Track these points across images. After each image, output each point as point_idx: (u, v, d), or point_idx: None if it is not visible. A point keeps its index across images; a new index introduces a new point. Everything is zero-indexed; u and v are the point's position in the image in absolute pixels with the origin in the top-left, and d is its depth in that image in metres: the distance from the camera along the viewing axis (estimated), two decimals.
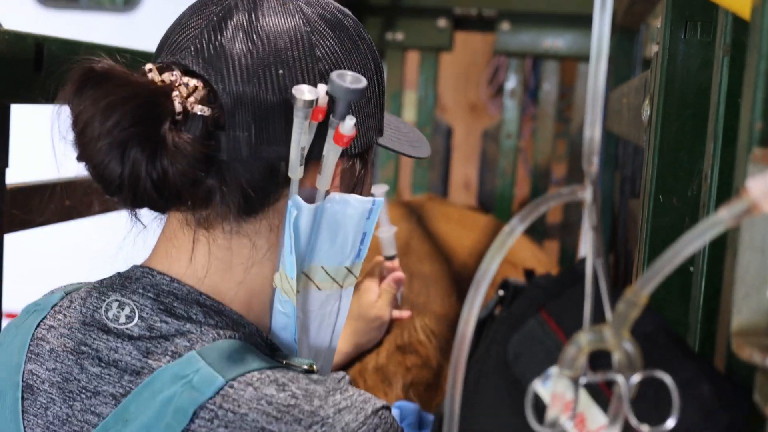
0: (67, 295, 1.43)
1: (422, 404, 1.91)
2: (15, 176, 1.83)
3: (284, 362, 1.33)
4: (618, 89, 2.29)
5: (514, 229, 0.93)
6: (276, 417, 1.22)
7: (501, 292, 1.06)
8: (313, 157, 1.33)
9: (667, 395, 0.88)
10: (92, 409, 1.32)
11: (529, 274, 1.05)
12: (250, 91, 1.29)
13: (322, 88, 1.28)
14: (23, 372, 1.38)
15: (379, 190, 1.96)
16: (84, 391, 1.33)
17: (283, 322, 1.40)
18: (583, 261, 0.95)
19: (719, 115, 1.20)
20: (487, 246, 2.61)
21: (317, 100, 1.27)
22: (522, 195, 4.42)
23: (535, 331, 0.98)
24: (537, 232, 4.11)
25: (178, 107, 1.25)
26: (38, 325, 1.40)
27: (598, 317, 0.93)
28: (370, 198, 1.38)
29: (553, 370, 0.92)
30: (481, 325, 1.03)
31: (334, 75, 1.27)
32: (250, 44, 1.30)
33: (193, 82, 1.28)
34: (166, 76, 1.28)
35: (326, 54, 1.34)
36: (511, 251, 2.65)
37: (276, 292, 1.39)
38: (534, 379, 0.93)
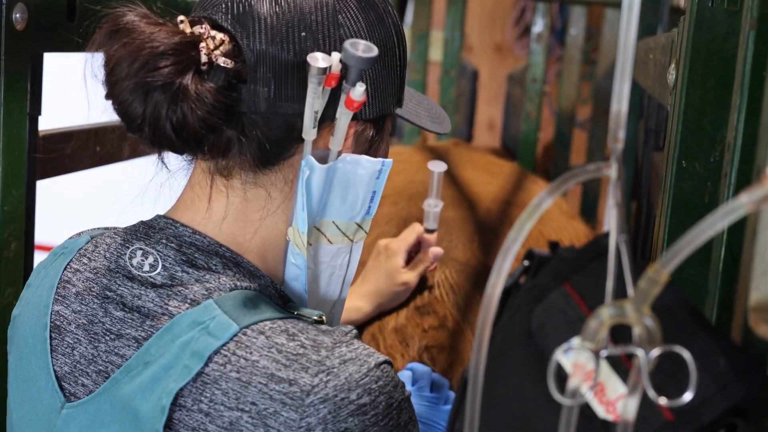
0: (92, 239, 1.49)
1: (436, 366, 1.94)
2: (47, 124, 1.87)
3: (295, 313, 1.39)
4: (644, 41, 2.29)
5: (543, 202, 0.95)
6: (285, 364, 1.29)
7: (526, 263, 1.08)
8: (327, 119, 1.40)
9: (685, 367, 0.91)
10: (116, 350, 1.38)
11: (553, 245, 1.07)
12: (272, 50, 1.36)
13: (336, 55, 1.34)
14: (51, 313, 1.44)
15: (437, 167, 2.00)
16: (108, 333, 1.40)
17: (295, 273, 1.46)
18: (606, 235, 0.98)
19: (744, 86, 1.22)
20: (511, 193, 2.63)
21: (331, 67, 1.33)
22: (546, 138, 4.43)
23: (558, 303, 1.01)
24: (559, 174, 4.12)
25: (203, 58, 1.32)
26: (65, 268, 1.47)
27: (620, 292, 0.96)
28: (380, 159, 1.44)
29: (575, 341, 0.95)
30: (506, 293, 1.06)
31: (348, 43, 1.33)
32: (276, 6, 1.37)
33: (220, 36, 1.35)
34: (196, 29, 1.35)
35: (349, 22, 1.40)
36: (527, 194, 2.67)
37: (289, 245, 1.45)
38: (556, 349, 0.96)
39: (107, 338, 1.39)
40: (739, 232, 1.20)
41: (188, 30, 1.34)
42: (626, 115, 0.95)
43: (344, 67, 1.35)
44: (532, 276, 1.07)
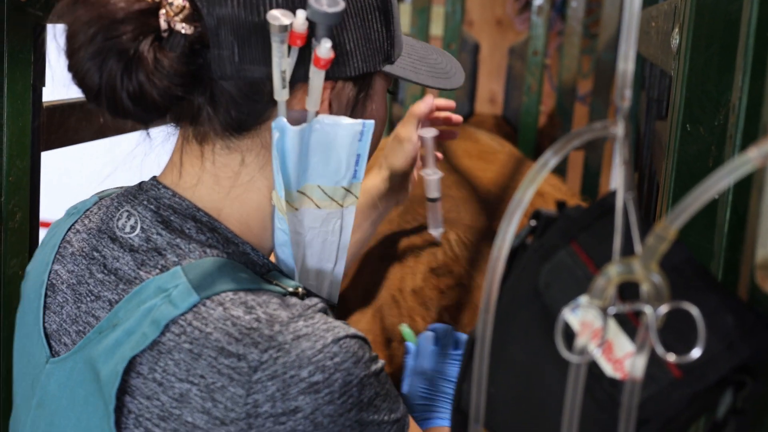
0: (100, 200, 1.52)
1: (455, 324, 1.95)
2: (51, 95, 1.87)
3: (274, 282, 1.38)
4: (647, 10, 2.28)
5: (548, 162, 0.95)
6: (237, 338, 1.28)
7: (533, 223, 1.09)
8: (300, 80, 1.36)
9: (692, 325, 0.91)
10: (92, 312, 1.40)
11: (560, 205, 1.07)
12: (233, 12, 1.32)
13: (301, 13, 1.30)
14: (50, 271, 1.47)
15: (428, 133, 2.00)
16: (90, 294, 1.41)
17: (282, 238, 1.44)
18: (613, 194, 0.98)
19: (749, 48, 1.22)
20: (508, 177, 2.66)
21: (292, 24, 1.29)
22: (547, 111, 4.43)
23: (565, 262, 1.01)
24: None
25: (163, 25, 1.30)
26: (69, 228, 1.49)
27: (628, 250, 0.96)
28: (360, 120, 1.40)
29: (583, 299, 0.95)
30: (513, 254, 1.06)
31: None
32: None
33: (179, 1, 1.32)
34: None
35: None
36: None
37: (274, 210, 1.43)
38: (564, 307, 0.97)
39: (89, 299, 1.41)
40: (745, 195, 1.20)
41: None
42: (633, 73, 0.95)
43: (311, 24, 1.31)
44: (538, 236, 1.07)
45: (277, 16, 1.28)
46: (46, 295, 1.46)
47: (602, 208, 1.02)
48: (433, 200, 2.05)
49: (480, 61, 4.34)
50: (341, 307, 2.05)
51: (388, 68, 1.48)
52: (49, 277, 1.47)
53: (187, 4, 1.33)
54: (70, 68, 1.31)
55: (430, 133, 2.00)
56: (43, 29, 1.79)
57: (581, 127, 0.98)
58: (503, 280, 1.00)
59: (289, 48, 1.31)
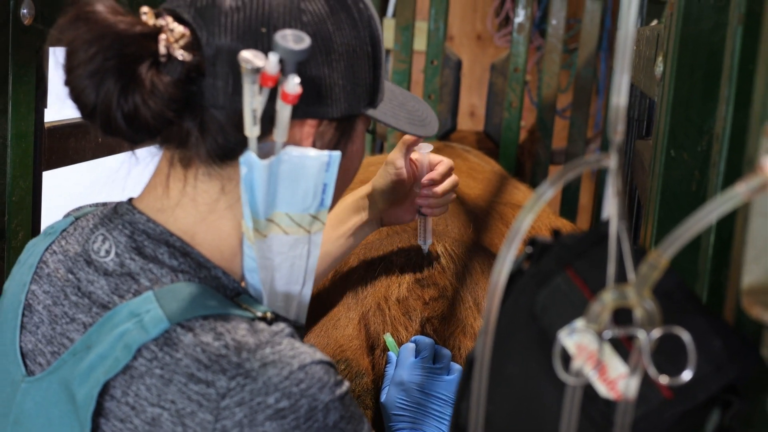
0: (76, 220, 1.53)
1: (438, 336, 1.98)
2: (52, 116, 1.91)
3: (243, 306, 1.41)
4: None
5: (545, 193, 1.01)
6: (206, 365, 1.31)
7: (529, 249, 1.13)
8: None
9: (682, 348, 0.97)
10: (67, 334, 1.42)
11: (556, 232, 1.12)
12: (232, 45, 1.35)
13: (273, 56, 1.32)
14: (27, 291, 1.49)
15: (424, 149, 2.03)
16: (65, 316, 1.43)
17: (250, 265, 1.46)
18: (606, 223, 1.03)
19: (732, 79, 1.26)
20: (494, 194, 2.72)
21: (263, 66, 1.31)
22: (527, 126, 4.49)
23: (561, 287, 1.05)
24: (541, 161, 4.19)
25: (162, 50, 1.32)
26: (46, 249, 1.51)
27: (621, 276, 1.01)
28: (327, 152, 1.41)
29: (579, 323, 1.00)
30: (510, 279, 1.11)
31: (278, 35, 1.32)
32: (240, 1, 1.36)
33: (180, 29, 1.34)
34: (159, 21, 1.35)
35: (312, 20, 1.39)
36: (509, 195, 2.76)
37: (243, 237, 1.45)
38: (560, 331, 1.02)
39: (63, 321, 1.43)
40: (729, 219, 1.24)
41: (151, 21, 1.34)
42: (625, 108, 1.00)
43: (282, 62, 1.33)
44: (535, 262, 1.11)
45: (249, 59, 1.31)
46: (23, 314, 1.48)
47: (597, 236, 1.07)
48: (425, 215, 2.09)
49: (461, 76, 4.39)
50: (328, 313, 2.07)
51: (370, 112, 1.52)
52: (26, 297, 1.49)
53: (188, 32, 1.35)
54: (67, 83, 1.33)
55: (425, 149, 2.03)
56: (45, 51, 1.82)
57: (575, 160, 1.03)
58: (500, 304, 1.05)
59: (261, 87, 1.33)
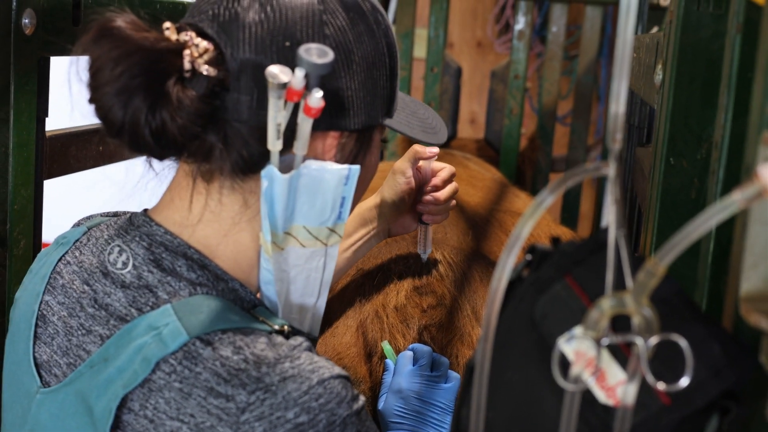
0: (89, 230, 1.53)
1: (436, 344, 1.99)
2: (53, 125, 1.92)
3: (260, 318, 1.42)
4: None
5: (544, 200, 1.01)
6: (225, 379, 1.32)
7: (529, 257, 1.14)
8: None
9: (680, 355, 0.97)
10: (84, 346, 1.43)
11: (555, 240, 1.13)
12: (255, 59, 1.36)
13: (299, 72, 1.32)
14: (41, 302, 1.49)
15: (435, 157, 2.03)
16: (81, 328, 1.44)
17: (267, 277, 1.47)
18: (605, 230, 1.04)
19: (731, 88, 1.26)
20: (493, 201, 2.72)
21: (290, 81, 1.31)
22: (527, 134, 4.50)
23: (560, 295, 1.06)
24: (542, 169, 4.19)
25: (187, 65, 1.33)
26: (60, 259, 1.51)
27: (619, 284, 1.02)
28: (347, 165, 1.43)
29: (578, 330, 1.01)
30: (509, 286, 1.11)
31: (301, 49, 1.32)
32: (263, 14, 1.37)
33: (204, 44, 1.35)
34: (182, 36, 1.36)
35: (334, 33, 1.41)
36: (509, 203, 2.77)
37: (261, 250, 1.46)
38: (559, 337, 1.03)
39: (80, 333, 1.44)
40: (728, 227, 1.24)
41: (174, 37, 1.35)
42: (624, 116, 1.00)
43: (305, 76, 1.33)
44: (534, 269, 1.12)
45: (276, 74, 1.31)
46: (36, 325, 1.49)
47: (595, 243, 1.08)
48: (426, 224, 2.09)
49: (462, 83, 4.40)
50: (327, 321, 2.08)
51: (387, 122, 1.53)
52: (39, 307, 1.49)
53: (212, 47, 1.36)
54: (93, 102, 1.33)
55: (435, 158, 2.03)
56: (47, 61, 1.83)
57: (575, 168, 1.03)
58: (500, 311, 1.05)
59: (286, 101, 1.34)
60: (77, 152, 2.01)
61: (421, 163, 2.03)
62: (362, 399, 1.41)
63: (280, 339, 1.38)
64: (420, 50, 4.39)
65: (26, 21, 1.71)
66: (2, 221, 1.77)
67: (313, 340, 1.52)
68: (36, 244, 1.87)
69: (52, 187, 2.01)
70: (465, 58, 5.96)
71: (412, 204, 2.06)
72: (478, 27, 6.03)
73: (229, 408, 1.31)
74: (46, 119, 1.86)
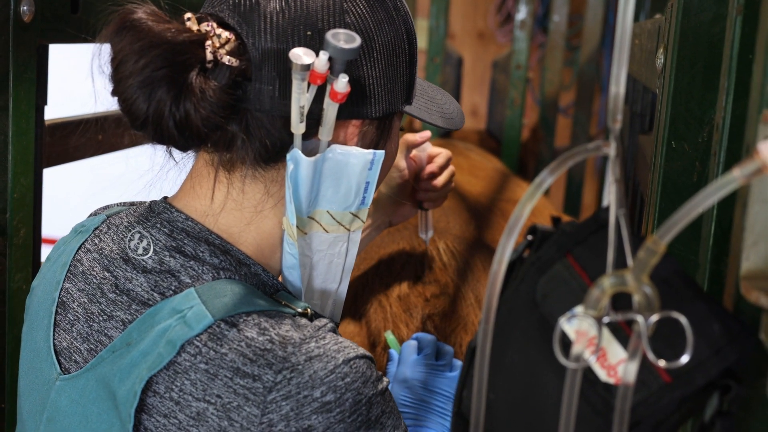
0: (108, 218, 1.53)
1: (439, 333, 1.99)
2: (52, 113, 1.92)
3: (283, 302, 1.42)
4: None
5: (544, 181, 1.01)
6: (251, 359, 1.32)
7: (530, 237, 1.14)
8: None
9: (681, 333, 0.97)
10: (105, 331, 1.43)
11: (556, 220, 1.13)
12: (277, 48, 1.36)
13: (324, 54, 1.32)
14: (60, 289, 1.49)
15: (427, 146, 2.03)
16: (102, 314, 1.44)
17: (290, 262, 1.48)
18: (606, 209, 1.03)
19: (732, 70, 1.27)
20: (495, 191, 2.73)
21: (314, 63, 1.32)
22: (530, 124, 4.49)
23: (561, 274, 1.06)
24: (544, 160, 4.19)
25: (209, 56, 1.33)
26: (80, 247, 1.51)
27: (620, 262, 1.01)
28: (371, 150, 1.44)
29: (579, 309, 1.01)
30: (510, 267, 1.11)
31: (329, 35, 1.32)
32: (283, 3, 1.37)
33: (225, 34, 1.35)
34: (203, 26, 1.36)
35: (356, 21, 1.40)
36: (511, 192, 2.78)
37: (284, 234, 1.47)
38: (560, 316, 1.02)
39: (101, 318, 1.44)
40: (729, 209, 1.24)
41: (195, 28, 1.35)
42: (624, 97, 1.00)
43: (332, 61, 1.34)
44: (535, 250, 1.12)
45: (300, 55, 1.31)
46: (56, 312, 1.49)
47: (596, 223, 1.07)
48: (426, 209, 2.09)
49: (463, 74, 4.39)
50: None
51: (407, 108, 1.53)
52: (59, 294, 1.49)
53: (233, 37, 1.36)
54: (116, 94, 1.34)
55: (428, 146, 2.03)
56: (46, 49, 1.83)
57: (575, 147, 1.03)
58: (501, 292, 1.05)
59: (309, 84, 1.34)
60: (77, 141, 2.01)
61: (414, 151, 2.03)
62: (386, 380, 1.42)
63: (304, 321, 1.38)
64: (421, 41, 4.38)
65: (25, 8, 1.71)
66: (2, 210, 1.77)
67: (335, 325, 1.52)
68: (36, 233, 1.87)
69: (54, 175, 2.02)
70: (466, 49, 5.95)
71: (410, 193, 2.06)
72: (479, 17, 6.02)
73: (256, 387, 1.31)
74: (45, 107, 1.86)
